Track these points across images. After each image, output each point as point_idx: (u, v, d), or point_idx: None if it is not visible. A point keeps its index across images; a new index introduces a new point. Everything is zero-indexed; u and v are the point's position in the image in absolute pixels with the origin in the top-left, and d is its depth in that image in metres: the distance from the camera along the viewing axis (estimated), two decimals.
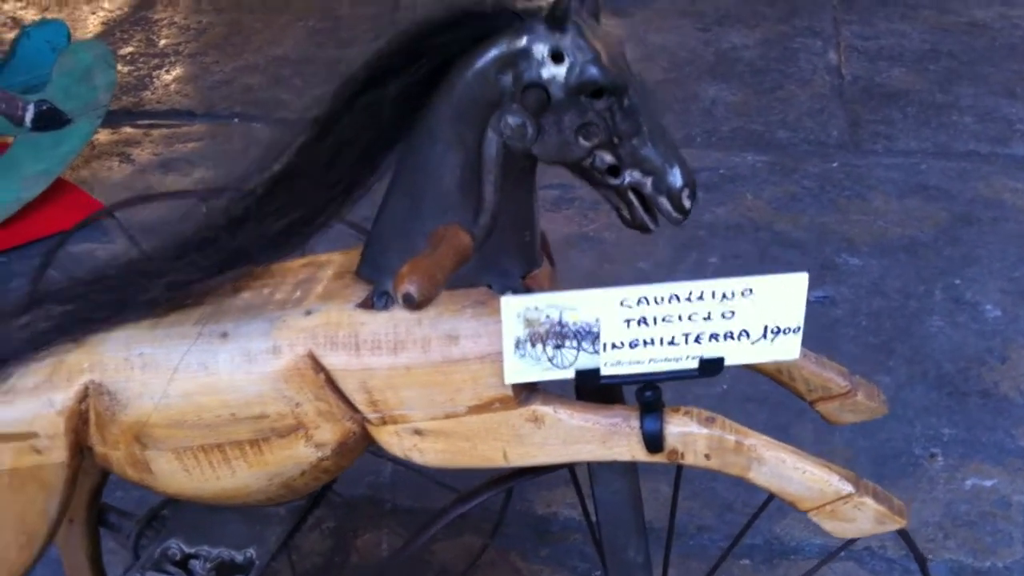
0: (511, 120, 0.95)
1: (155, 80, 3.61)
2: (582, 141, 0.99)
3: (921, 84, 3.41)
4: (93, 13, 4.15)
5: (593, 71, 0.96)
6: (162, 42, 3.91)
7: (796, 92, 3.40)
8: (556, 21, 0.97)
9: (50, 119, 2.78)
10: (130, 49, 3.85)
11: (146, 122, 3.37)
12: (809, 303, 2.59)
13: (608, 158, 1.00)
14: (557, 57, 0.98)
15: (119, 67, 3.54)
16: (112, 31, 4.01)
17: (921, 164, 2.99)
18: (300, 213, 1.08)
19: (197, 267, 1.09)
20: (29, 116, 2.75)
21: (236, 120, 3.38)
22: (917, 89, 3.39)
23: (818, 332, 2.34)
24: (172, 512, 1.25)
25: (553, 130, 0.98)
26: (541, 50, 0.97)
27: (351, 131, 1.04)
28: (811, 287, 2.60)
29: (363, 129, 1.04)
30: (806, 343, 2.30)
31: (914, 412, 2.12)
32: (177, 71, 3.69)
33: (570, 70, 0.97)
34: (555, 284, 1.11)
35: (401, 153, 1.06)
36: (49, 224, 2.82)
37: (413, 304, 0.84)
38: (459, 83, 1.00)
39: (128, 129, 3.33)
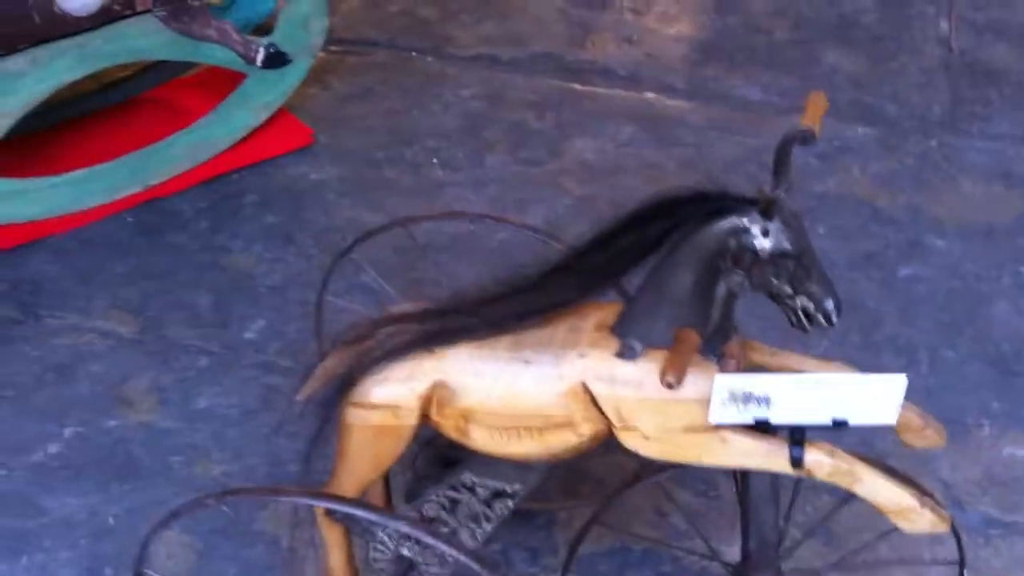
0: (736, 278, 1.54)
1: (341, 5, 4.11)
2: (774, 281, 1.59)
3: (1021, 63, 3.81)
4: None
5: (787, 246, 1.56)
6: None
7: (907, 63, 3.83)
8: (767, 214, 1.55)
9: (276, 59, 3.36)
10: None
11: (338, 48, 3.91)
12: (898, 279, 3.13)
13: (788, 289, 1.59)
14: (765, 233, 1.56)
15: None
16: None
17: (1009, 150, 3.45)
18: (576, 293, 1.68)
19: (508, 314, 1.71)
20: (260, 57, 3.32)
21: (414, 53, 3.91)
22: (1017, 69, 3.79)
23: (902, 306, 2.90)
24: (468, 455, 1.89)
25: (758, 274, 1.58)
26: (756, 229, 1.56)
27: (620, 252, 1.64)
28: (901, 264, 3.14)
29: (628, 253, 1.64)
30: (892, 318, 2.84)
31: (971, 386, 2.68)
32: None
33: (774, 243, 1.56)
34: (740, 347, 1.71)
35: (653, 267, 1.65)
36: (270, 146, 3.43)
37: (671, 388, 1.45)
38: (698, 237, 1.59)
39: (323, 55, 3.87)
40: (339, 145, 3.47)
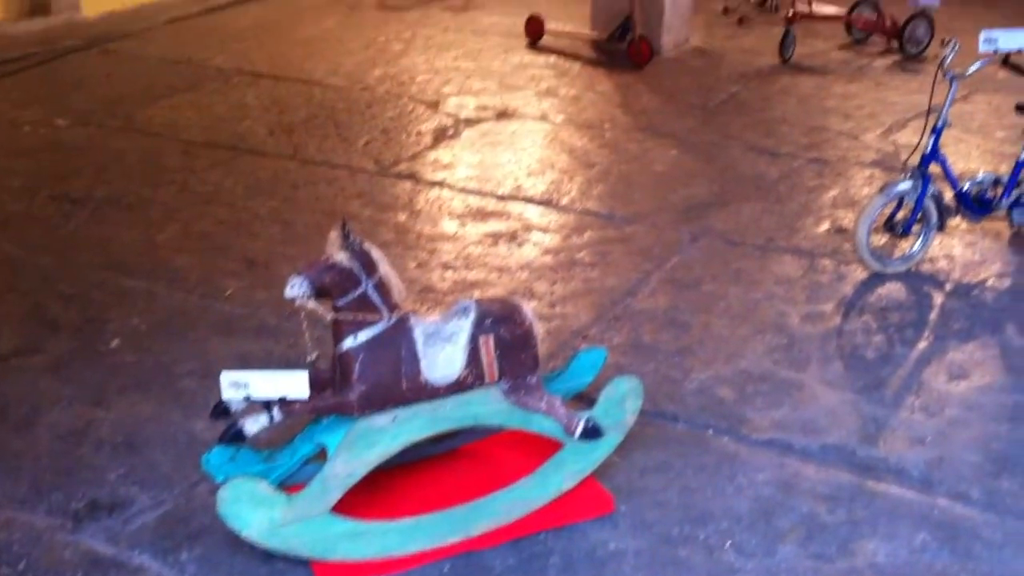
0: None
1: (644, 379, 4.49)
2: None
3: None
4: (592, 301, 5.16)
5: None
6: (645, 338, 4.83)
7: None
8: None
9: (592, 433, 3.70)
10: (620, 340, 4.81)
11: (638, 420, 4.23)
12: None
13: None
14: None
15: (611, 356, 4.45)
16: (604, 315, 5.00)
17: None
18: None
19: None
20: (579, 430, 3.68)
21: (710, 431, 4.19)
22: None
23: None
24: None
25: None
26: None
27: None
28: None
29: None
30: None
31: None
32: (661, 369, 4.57)
33: None
34: None
35: None
36: (576, 511, 3.70)
37: None
38: None
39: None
40: (637, 516, 3.72)
